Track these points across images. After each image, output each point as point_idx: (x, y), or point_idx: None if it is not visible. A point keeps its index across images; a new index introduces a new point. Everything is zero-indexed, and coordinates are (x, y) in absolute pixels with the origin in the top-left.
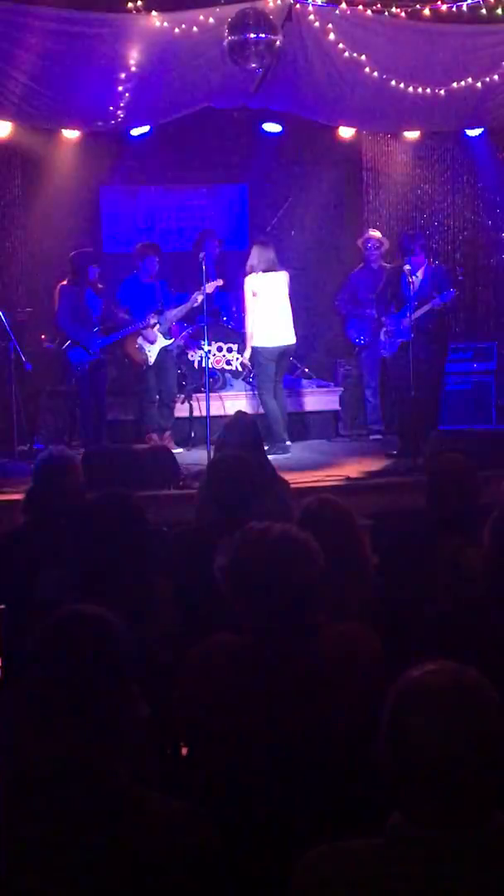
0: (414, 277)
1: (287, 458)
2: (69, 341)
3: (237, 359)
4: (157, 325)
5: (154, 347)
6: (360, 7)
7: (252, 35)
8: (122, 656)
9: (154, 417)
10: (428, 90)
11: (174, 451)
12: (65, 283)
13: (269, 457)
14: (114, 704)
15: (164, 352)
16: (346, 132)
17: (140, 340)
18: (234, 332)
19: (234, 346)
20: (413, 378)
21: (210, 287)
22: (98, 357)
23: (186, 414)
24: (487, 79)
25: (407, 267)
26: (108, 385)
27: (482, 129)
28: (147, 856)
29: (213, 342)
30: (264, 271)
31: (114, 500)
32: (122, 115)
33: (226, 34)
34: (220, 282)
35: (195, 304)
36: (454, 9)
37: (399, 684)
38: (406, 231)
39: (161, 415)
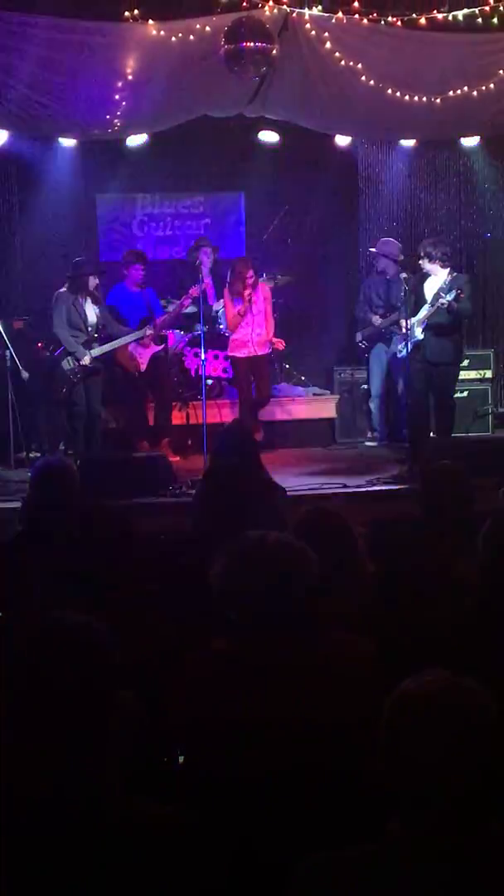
0: (432, 283)
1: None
2: (62, 349)
3: None
4: (151, 333)
5: (146, 354)
6: (357, 16)
7: (249, 44)
8: (107, 664)
9: (144, 425)
10: (424, 99)
11: (172, 458)
12: (63, 290)
13: None
14: (98, 712)
15: (155, 358)
16: (342, 141)
17: (132, 348)
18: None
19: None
20: (422, 382)
21: (196, 291)
22: (91, 366)
23: (183, 422)
24: (483, 87)
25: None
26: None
27: (478, 138)
28: (141, 864)
29: (209, 350)
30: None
31: (95, 512)
32: (118, 124)
33: (222, 43)
34: (205, 285)
35: (184, 310)
36: (450, 18)
37: (396, 694)
38: (428, 239)
39: (159, 421)
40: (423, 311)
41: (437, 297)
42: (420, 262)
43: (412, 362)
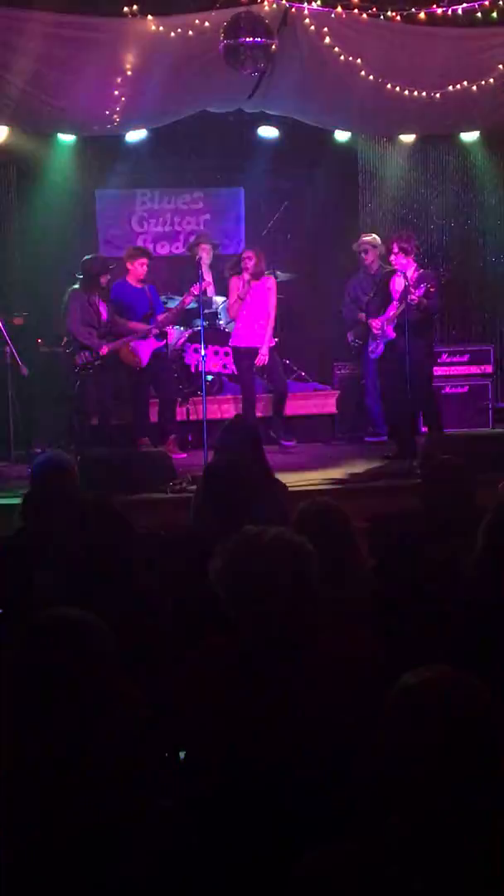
0: (402, 278)
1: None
2: (75, 344)
3: None
4: (156, 332)
5: (147, 350)
6: (356, 11)
7: (248, 39)
8: (106, 660)
9: (146, 421)
10: (423, 93)
11: (177, 455)
12: (76, 287)
13: None
14: (97, 707)
15: (157, 355)
16: (342, 135)
17: (133, 344)
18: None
19: (231, 350)
20: (402, 378)
21: (197, 288)
22: (104, 360)
23: (184, 418)
24: (483, 82)
25: (391, 268)
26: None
27: (477, 133)
28: (141, 859)
29: (209, 346)
30: None
31: (91, 507)
32: (118, 119)
33: (221, 38)
34: (207, 284)
35: (186, 307)
36: (449, 12)
37: (396, 688)
38: (398, 233)
39: (163, 418)
40: (392, 309)
41: (406, 293)
42: (390, 256)
43: (386, 361)
